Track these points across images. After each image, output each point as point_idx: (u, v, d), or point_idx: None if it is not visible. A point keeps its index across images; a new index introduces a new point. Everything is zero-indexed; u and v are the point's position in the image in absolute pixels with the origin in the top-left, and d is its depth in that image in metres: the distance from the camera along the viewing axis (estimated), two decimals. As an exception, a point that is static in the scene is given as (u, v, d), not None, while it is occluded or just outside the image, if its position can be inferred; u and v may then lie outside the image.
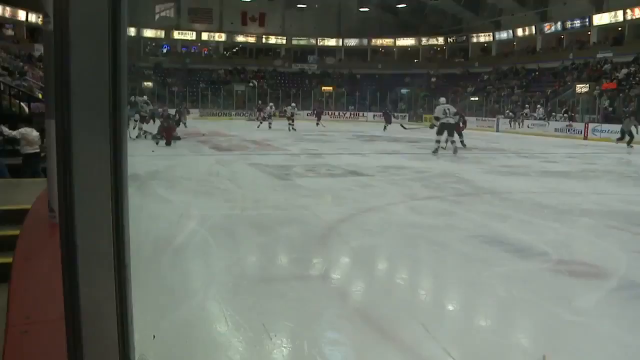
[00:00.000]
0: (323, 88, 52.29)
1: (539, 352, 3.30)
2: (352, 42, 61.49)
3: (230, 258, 4.91)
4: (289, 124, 27.60)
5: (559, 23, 47.27)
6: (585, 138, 28.80)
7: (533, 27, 49.85)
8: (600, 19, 43.73)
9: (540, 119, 34.65)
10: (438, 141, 15.37)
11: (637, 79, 35.19)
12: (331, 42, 61.52)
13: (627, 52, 39.31)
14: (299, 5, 57.27)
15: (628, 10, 40.80)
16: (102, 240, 1.17)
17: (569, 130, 30.64)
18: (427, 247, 5.55)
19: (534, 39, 50.36)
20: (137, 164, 11.01)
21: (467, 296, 4.24)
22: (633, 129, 22.00)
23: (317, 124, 31.69)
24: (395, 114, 35.07)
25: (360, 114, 47.06)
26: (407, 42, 61.33)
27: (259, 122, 29.92)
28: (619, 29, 43.00)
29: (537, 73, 45.72)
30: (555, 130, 31.31)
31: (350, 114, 47.49)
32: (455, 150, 15.38)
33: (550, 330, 3.61)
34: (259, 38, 58.87)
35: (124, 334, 1.23)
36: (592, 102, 33.75)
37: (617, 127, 28.06)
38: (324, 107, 44.69)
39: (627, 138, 21.75)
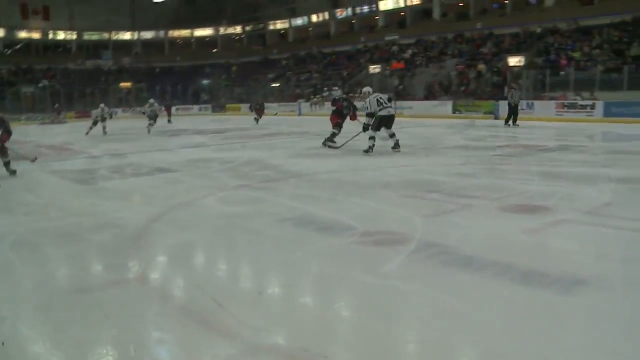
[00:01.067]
0: (121, 84, 50.15)
1: (357, 320, 3.59)
2: (147, 34, 59.82)
3: (39, 274, 4.63)
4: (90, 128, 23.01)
5: (350, 9, 50.14)
6: (381, 115, 30.70)
7: (326, 13, 52.25)
8: (385, 4, 47.30)
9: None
10: (373, 137, 12.31)
11: (421, 58, 38.34)
12: (126, 35, 59.36)
13: (411, 34, 42.90)
14: (86, -3, 54.13)
15: (408, -3, 44.48)
16: None
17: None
18: (241, 236, 5.68)
19: (328, 24, 52.80)
20: None
21: (284, 277, 4.44)
22: (518, 101, 21.29)
23: (169, 120, 30.40)
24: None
25: (162, 108, 45.91)
26: (205, 32, 61.07)
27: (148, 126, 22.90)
28: (402, 13, 46.65)
29: (333, 57, 47.84)
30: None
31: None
32: (397, 145, 12.46)
33: (363, 297, 3.92)
34: (45, 33, 54.84)
35: None
36: (384, 81, 36.18)
37: (409, 103, 30.37)
38: (124, 102, 43.12)
39: (512, 116, 20.95)
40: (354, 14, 50.39)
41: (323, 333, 3.35)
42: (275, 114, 30.17)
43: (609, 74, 25.39)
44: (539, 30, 34.65)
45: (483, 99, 28.38)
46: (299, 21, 55.62)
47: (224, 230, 5.94)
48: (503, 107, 25.54)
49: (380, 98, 12.38)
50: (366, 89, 13.18)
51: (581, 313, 3.55)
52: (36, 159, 11.55)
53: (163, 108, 29.64)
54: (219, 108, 44.75)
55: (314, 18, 53.86)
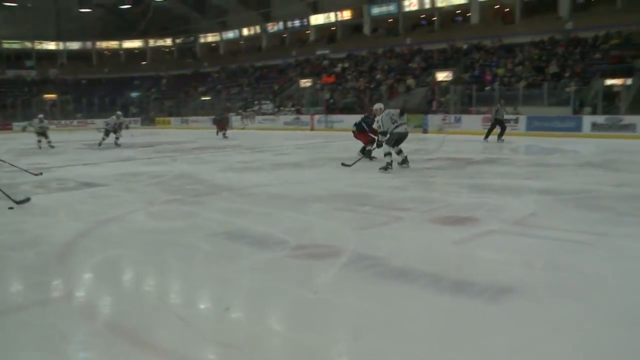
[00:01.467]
0: (45, 96, 48.35)
1: (291, 334, 3.58)
2: (74, 45, 58.16)
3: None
4: (39, 140, 21.03)
5: (281, 23, 50.43)
6: (312, 129, 31.01)
7: (258, 27, 52.34)
8: (316, 19, 47.87)
9: (270, 113, 36.37)
10: (389, 154, 11.52)
11: (352, 72, 38.86)
12: (50, 45, 57.46)
13: (341, 49, 43.54)
14: (6, 4, 51.91)
15: (339, 12, 45.23)
16: None
17: (297, 123, 32.74)
18: (172, 251, 5.58)
19: (260, 38, 52.93)
20: None
21: (217, 292, 4.39)
22: (505, 116, 20.51)
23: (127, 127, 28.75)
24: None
25: (90, 121, 44.39)
26: (134, 44, 59.98)
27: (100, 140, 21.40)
28: (333, 28, 47.32)
29: (264, 70, 47.87)
30: (285, 123, 33.17)
31: (79, 122, 44.47)
32: (406, 161, 11.99)
33: (297, 312, 3.92)
34: (-40, 40, 52.49)
35: None
36: (315, 95, 36.42)
37: (341, 117, 30.69)
38: (49, 115, 41.60)
39: (498, 129, 20.08)
40: (285, 28, 50.65)
41: (257, 348, 3.33)
42: (243, 128, 28.86)
43: (531, 90, 26.46)
44: (465, 46, 35.80)
45: (412, 113, 28.98)
46: (230, 34, 55.45)
47: (154, 246, 5.81)
48: (431, 120, 26.27)
49: (393, 115, 11.71)
50: (378, 105, 12.57)
51: (509, 320, 3.65)
52: (41, 173, 11.38)
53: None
54: (148, 121, 43.92)
55: (245, 31, 53.82)
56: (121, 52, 60.08)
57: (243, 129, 28.51)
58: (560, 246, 5.46)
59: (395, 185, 9.59)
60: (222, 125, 25.76)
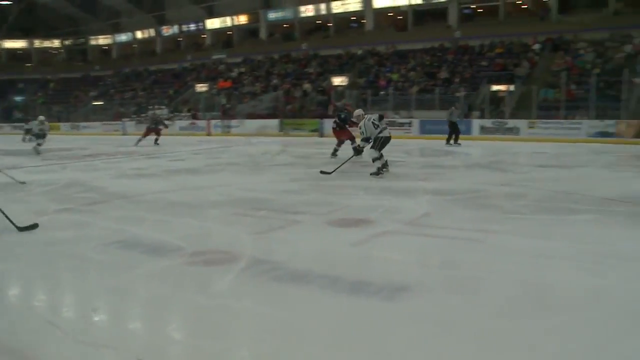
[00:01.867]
0: None
1: (190, 341, 3.50)
2: (-62, 42, 54.28)
3: None
4: None
5: (176, 26, 49.65)
6: (209, 134, 30.66)
7: (152, 30, 51.24)
8: (212, 23, 47.54)
9: (165, 118, 35.58)
10: (377, 158, 11.36)
11: (248, 77, 38.78)
12: None
13: (238, 53, 43.42)
14: None
15: (235, 17, 45.11)
16: None
17: (193, 128, 32.27)
18: (63, 263, 5.34)
19: (154, 41, 51.88)
20: None
21: (112, 303, 4.24)
22: (457, 120, 20.10)
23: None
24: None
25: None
26: (17, 44, 56.88)
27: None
28: (229, 32, 47.08)
29: (159, 74, 46.88)
30: (180, 128, 32.57)
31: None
32: (386, 165, 11.69)
33: (195, 319, 3.86)
34: None
35: None
36: (211, 99, 36.04)
37: (238, 122, 30.56)
38: None
39: (453, 135, 19.85)
40: (180, 31, 49.85)
41: (155, 357, 3.27)
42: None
43: (423, 95, 27.46)
44: (360, 52, 36.61)
45: (308, 117, 29.28)
46: (123, 37, 53.90)
47: (44, 257, 5.53)
48: (327, 124, 26.60)
49: (375, 121, 11.46)
50: (358, 111, 12.28)
51: (404, 317, 3.77)
52: (24, 182, 10.71)
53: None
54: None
55: (139, 34, 52.51)
56: (2, 52, 56.80)
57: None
58: (452, 244, 5.69)
59: (292, 189, 9.65)
60: (149, 131, 23.27)
